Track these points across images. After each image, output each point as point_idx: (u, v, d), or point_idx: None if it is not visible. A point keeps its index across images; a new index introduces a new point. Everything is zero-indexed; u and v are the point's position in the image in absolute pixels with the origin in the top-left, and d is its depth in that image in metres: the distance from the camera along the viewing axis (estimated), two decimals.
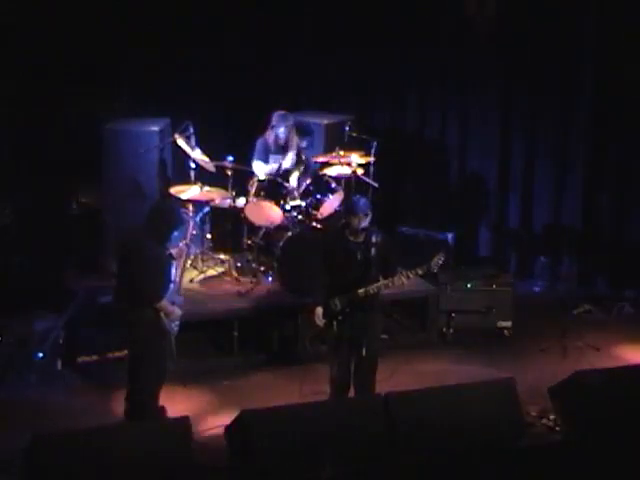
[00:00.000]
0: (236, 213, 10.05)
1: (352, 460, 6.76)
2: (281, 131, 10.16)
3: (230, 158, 10.08)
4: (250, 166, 10.26)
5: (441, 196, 12.00)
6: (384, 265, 7.82)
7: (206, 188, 9.95)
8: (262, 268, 9.95)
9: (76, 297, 9.03)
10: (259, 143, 10.26)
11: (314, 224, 9.90)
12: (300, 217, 9.91)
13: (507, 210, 11.72)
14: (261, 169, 10.16)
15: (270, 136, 10.24)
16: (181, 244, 7.89)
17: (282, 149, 10.27)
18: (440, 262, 7.81)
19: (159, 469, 6.57)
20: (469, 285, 10.16)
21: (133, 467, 6.52)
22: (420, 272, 7.82)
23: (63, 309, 8.98)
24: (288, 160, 10.23)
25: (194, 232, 9.29)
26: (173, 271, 7.70)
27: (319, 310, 7.83)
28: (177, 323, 7.71)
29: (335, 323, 7.81)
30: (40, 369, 8.76)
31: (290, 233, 9.70)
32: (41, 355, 8.74)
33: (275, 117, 10.20)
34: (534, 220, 11.62)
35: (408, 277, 7.79)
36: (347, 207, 8.03)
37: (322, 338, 8.50)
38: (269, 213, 9.82)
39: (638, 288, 11.06)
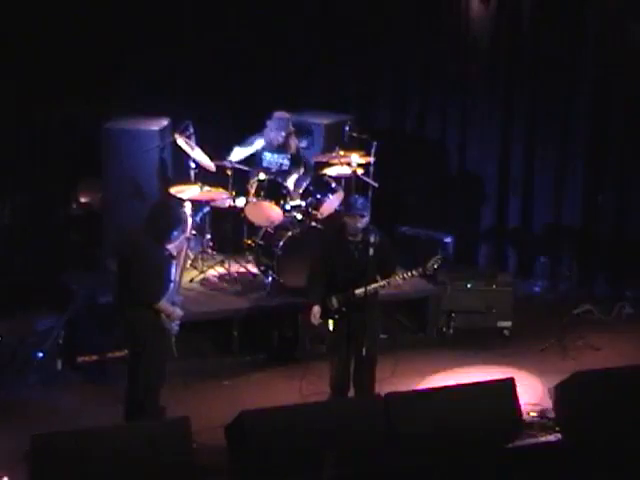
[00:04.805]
0: (236, 213, 10.05)
1: (352, 460, 6.76)
2: (281, 136, 10.20)
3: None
4: (249, 164, 10.26)
5: (441, 196, 11.98)
6: (382, 265, 7.83)
7: (206, 188, 9.95)
8: (262, 268, 9.96)
9: (76, 297, 9.02)
10: (253, 138, 10.29)
11: (314, 224, 9.90)
12: (300, 217, 9.91)
13: (507, 210, 11.71)
14: (238, 155, 10.15)
15: (268, 136, 10.27)
16: (182, 237, 7.86)
17: (278, 148, 10.28)
18: (436, 265, 7.87)
19: (159, 469, 6.58)
20: (469, 285, 10.16)
21: (133, 467, 6.53)
22: (416, 274, 7.89)
23: (63, 309, 8.97)
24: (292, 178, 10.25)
25: (194, 232, 9.29)
26: (173, 271, 7.69)
27: (316, 309, 7.87)
28: (177, 323, 7.70)
29: (332, 322, 7.84)
30: (40, 369, 8.75)
31: (290, 233, 9.70)
32: (41, 355, 8.74)
33: (276, 121, 10.22)
34: (534, 220, 11.61)
35: (404, 278, 7.84)
36: (345, 208, 8.07)
37: (322, 338, 8.51)
38: (269, 213, 9.82)
39: (638, 288, 11.06)
